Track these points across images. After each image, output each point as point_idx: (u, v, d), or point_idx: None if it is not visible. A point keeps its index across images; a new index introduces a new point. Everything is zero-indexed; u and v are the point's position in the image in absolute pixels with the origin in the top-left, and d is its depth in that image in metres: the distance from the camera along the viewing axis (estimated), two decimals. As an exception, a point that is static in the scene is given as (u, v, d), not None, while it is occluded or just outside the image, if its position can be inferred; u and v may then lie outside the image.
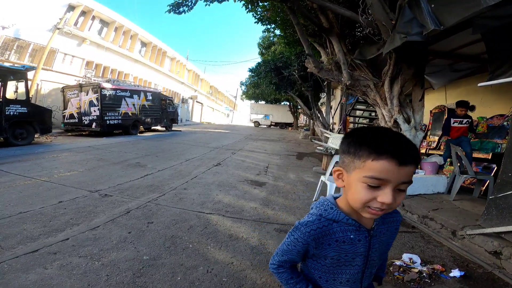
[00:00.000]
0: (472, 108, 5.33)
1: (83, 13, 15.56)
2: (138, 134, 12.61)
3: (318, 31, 5.81)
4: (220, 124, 33.99)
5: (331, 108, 13.28)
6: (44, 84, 13.28)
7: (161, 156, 6.63)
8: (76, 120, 10.94)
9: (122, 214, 2.86)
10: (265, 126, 32.68)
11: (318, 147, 6.93)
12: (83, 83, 11.46)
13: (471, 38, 3.71)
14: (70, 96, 11.10)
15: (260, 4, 6.99)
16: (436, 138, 6.08)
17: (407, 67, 3.98)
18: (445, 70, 5.46)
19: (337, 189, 3.72)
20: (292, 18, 5.60)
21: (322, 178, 3.80)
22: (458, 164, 3.72)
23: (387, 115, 4.38)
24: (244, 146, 10.31)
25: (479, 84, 2.80)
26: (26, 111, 7.34)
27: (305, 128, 20.57)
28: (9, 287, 1.61)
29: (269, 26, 7.95)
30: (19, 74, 7.48)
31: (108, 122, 10.87)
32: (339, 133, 8.29)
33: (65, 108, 11.28)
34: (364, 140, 0.61)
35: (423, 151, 6.06)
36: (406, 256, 2.28)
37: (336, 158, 3.70)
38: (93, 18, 16.44)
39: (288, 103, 27.12)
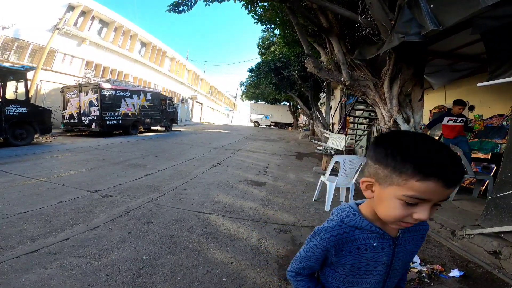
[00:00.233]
0: (472, 108, 5.34)
1: (82, 13, 15.56)
2: (138, 134, 12.60)
3: (318, 31, 5.81)
4: (220, 124, 34.01)
5: (330, 108, 13.29)
6: (44, 84, 13.27)
7: (161, 156, 6.63)
8: (76, 120, 10.93)
9: (122, 214, 2.86)
10: (265, 126, 32.68)
11: (317, 147, 6.95)
12: (82, 83, 11.45)
13: (471, 38, 3.70)
14: (70, 96, 11.09)
15: (259, 4, 6.99)
16: (436, 138, 6.07)
17: (407, 67, 3.98)
18: (445, 70, 5.46)
19: (337, 189, 3.72)
20: (291, 18, 5.60)
21: (322, 178, 3.80)
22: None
23: (386, 115, 4.38)
24: (244, 146, 10.31)
25: (478, 84, 2.80)
26: (26, 111, 7.34)
27: (304, 128, 20.60)
28: (9, 287, 1.62)
29: (268, 26, 7.96)
30: (18, 74, 7.48)
31: (107, 122, 10.87)
32: (338, 133, 8.29)
33: (64, 108, 11.27)
34: (407, 155, 0.53)
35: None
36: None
37: (336, 158, 3.69)
38: (93, 18, 16.43)
39: (288, 103, 27.13)
